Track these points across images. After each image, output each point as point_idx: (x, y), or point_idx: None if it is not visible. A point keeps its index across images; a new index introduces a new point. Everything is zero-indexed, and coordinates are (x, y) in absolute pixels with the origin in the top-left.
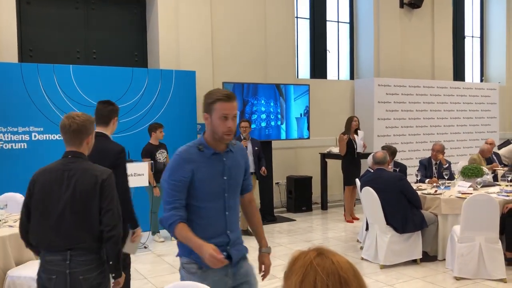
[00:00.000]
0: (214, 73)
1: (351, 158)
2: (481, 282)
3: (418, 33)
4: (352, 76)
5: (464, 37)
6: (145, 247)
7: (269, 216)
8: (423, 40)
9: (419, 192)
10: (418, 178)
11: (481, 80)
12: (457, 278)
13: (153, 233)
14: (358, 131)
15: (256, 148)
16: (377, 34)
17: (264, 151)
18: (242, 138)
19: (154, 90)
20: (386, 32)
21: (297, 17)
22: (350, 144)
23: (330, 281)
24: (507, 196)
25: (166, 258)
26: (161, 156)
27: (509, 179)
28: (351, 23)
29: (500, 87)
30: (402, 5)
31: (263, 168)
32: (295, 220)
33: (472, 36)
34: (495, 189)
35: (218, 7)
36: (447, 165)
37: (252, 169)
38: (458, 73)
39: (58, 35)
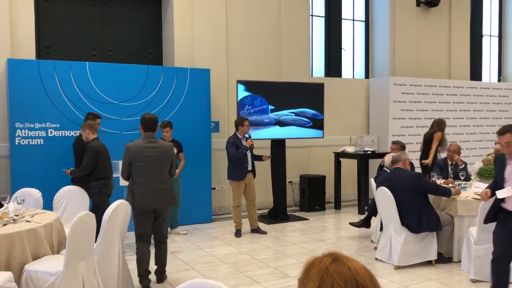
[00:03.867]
0: (228, 71)
1: None
2: None
3: (435, 32)
4: (367, 75)
5: (482, 36)
6: None
7: (282, 215)
8: (440, 39)
9: None
10: (434, 179)
11: (499, 80)
12: (473, 281)
13: (172, 227)
14: None
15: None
16: (392, 33)
17: (277, 150)
18: (247, 137)
19: (169, 87)
20: (402, 31)
21: (312, 15)
22: None
23: (348, 287)
24: None
25: (179, 255)
26: None
27: None
28: (367, 21)
29: None
30: (418, 3)
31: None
32: (308, 219)
33: (490, 35)
34: None
35: (233, 5)
36: (463, 165)
37: (250, 167)
38: (475, 73)
39: (75, 32)
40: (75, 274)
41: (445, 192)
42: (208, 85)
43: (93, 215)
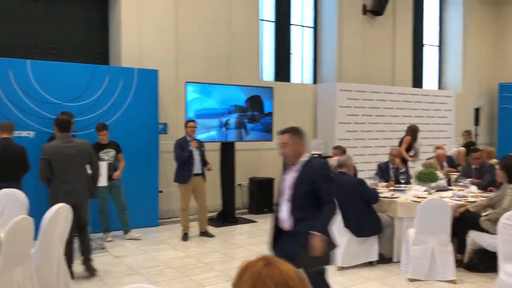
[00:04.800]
0: (177, 73)
1: None
2: (433, 284)
3: (380, 40)
4: (315, 80)
5: (423, 45)
6: (102, 248)
7: (230, 218)
8: (384, 47)
9: None
10: (375, 182)
11: (439, 88)
12: (411, 280)
13: (126, 232)
14: None
15: (201, 149)
16: (340, 40)
17: (226, 153)
18: (191, 139)
19: (115, 88)
20: (348, 38)
21: (262, 20)
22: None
23: None
24: (459, 200)
25: (123, 259)
26: (105, 156)
27: (460, 184)
28: (315, 27)
29: (456, 94)
30: (365, 12)
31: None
32: (256, 221)
33: (431, 45)
34: (448, 193)
35: (182, 6)
36: (404, 169)
37: (199, 170)
38: (417, 80)
39: (16, 28)
40: (10, 280)
41: (374, 200)
42: (156, 86)
43: (31, 219)
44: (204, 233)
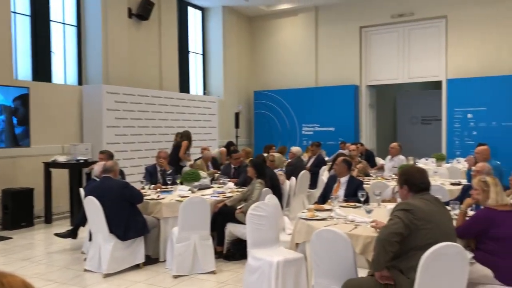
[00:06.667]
0: None
1: None
2: (195, 277)
3: (147, 45)
4: (80, 82)
5: (188, 53)
6: None
7: None
8: (151, 52)
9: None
10: (143, 185)
11: (204, 93)
12: (175, 276)
13: None
14: None
15: None
16: (105, 41)
17: None
18: None
19: None
20: (114, 40)
21: (14, 12)
22: None
23: None
24: (218, 196)
25: None
26: None
27: (220, 181)
28: (79, 26)
29: (219, 100)
30: (130, 15)
31: None
32: (11, 238)
33: (196, 53)
34: (209, 191)
35: None
36: (170, 171)
37: None
38: (184, 86)
39: None
40: None
41: (138, 200)
42: None
43: None
44: None
